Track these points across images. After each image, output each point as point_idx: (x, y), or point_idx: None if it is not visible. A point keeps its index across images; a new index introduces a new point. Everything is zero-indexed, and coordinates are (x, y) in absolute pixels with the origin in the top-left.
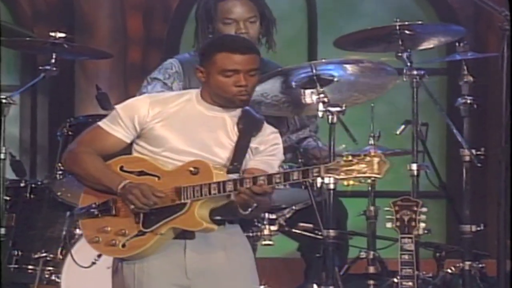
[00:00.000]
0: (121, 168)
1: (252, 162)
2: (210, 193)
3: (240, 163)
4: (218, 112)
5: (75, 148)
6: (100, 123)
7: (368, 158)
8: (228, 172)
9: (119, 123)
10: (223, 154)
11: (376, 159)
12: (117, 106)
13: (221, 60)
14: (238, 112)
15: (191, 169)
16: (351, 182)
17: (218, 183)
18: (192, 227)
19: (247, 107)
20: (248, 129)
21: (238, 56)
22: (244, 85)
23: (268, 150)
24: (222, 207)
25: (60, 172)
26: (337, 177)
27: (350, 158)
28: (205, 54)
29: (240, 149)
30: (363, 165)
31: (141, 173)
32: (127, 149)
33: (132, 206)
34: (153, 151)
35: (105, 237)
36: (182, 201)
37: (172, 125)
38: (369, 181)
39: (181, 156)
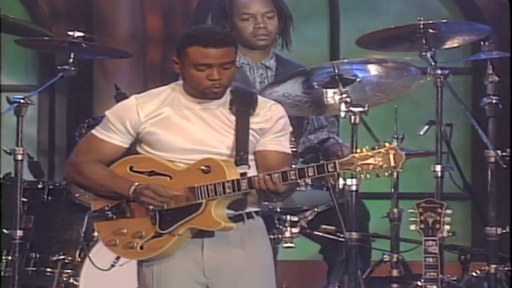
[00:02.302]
0: (131, 168)
1: (262, 143)
2: (225, 192)
3: (245, 151)
4: (207, 103)
5: (74, 159)
6: (93, 131)
7: (383, 151)
8: (236, 163)
9: (112, 129)
10: (225, 144)
11: (391, 152)
12: (106, 112)
13: (194, 54)
14: (227, 95)
15: (203, 167)
16: (368, 176)
17: (233, 181)
18: (210, 227)
19: (235, 85)
20: (243, 109)
21: (211, 50)
22: (217, 78)
23: (275, 128)
24: (237, 200)
25: None
26: (353, 171)
27: (364, 151)
28: (179, 46)
29: (242, 135)
30: (379, 158)
31: (152, 173)
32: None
33: (151, 207)
34: (158, 154)
35: (122, 240)
36: (197, 201)
37: (167, 125)
38: (386, 174)
39: (185, 155)
